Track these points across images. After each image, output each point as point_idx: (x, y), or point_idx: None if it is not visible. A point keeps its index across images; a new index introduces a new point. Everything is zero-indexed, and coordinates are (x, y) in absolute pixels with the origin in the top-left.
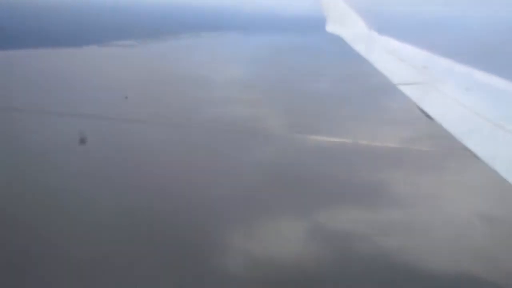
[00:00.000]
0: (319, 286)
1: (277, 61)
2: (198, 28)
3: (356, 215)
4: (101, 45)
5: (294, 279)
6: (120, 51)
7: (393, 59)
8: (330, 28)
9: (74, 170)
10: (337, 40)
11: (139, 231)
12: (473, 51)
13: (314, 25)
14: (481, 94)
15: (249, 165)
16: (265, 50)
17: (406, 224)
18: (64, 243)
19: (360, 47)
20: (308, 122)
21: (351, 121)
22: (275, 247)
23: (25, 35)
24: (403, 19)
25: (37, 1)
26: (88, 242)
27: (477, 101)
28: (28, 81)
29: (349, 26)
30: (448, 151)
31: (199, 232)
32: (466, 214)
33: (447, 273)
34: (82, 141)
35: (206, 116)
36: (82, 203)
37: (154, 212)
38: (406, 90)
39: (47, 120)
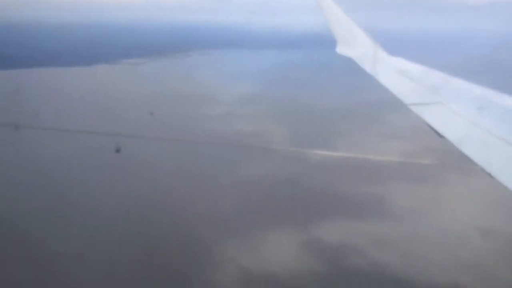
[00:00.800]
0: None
1: (290, 84)
2: (207, 46)
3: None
4: (111, 63)
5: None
6: (129, 69)
7: (404, 80)
8: (341, 49)
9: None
10: (348, 61)
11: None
12: (483, 69)
13: (324, 44)
14: (494, 113)
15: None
16: (277, 70)
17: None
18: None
19: (370, 68)
20: (330, 141)
21: (365, 140)
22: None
23: (35, 55)
24: (412, 38)
25: (46, 22)
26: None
27: (489, 120)
28: (37, 99)
29: (359, 47)
30: (459, 167)
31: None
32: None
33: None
34: (118, 150)
35: (218, 132)
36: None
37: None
38: (418, 110)
39: (65, 137)
